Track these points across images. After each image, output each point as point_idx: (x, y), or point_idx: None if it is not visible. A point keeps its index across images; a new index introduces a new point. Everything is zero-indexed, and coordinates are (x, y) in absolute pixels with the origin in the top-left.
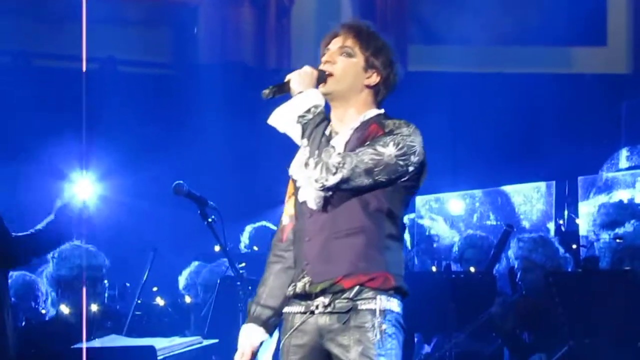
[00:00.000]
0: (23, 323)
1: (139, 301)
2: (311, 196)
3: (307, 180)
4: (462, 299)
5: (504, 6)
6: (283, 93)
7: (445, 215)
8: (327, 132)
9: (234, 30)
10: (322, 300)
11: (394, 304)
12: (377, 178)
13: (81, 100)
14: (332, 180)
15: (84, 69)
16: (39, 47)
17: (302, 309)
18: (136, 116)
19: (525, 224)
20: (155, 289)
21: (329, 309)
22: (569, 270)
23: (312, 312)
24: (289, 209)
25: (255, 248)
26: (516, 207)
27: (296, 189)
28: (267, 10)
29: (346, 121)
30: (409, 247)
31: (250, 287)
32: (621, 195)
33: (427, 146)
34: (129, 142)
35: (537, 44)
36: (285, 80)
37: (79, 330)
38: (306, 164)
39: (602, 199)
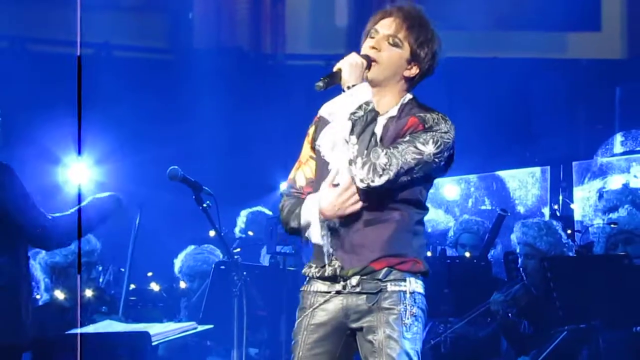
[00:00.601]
0: None
1: (133, 286)
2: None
3: (351, 177)
4: (457, 284)
5: None
6: (335, 84)
7: (441, 200)
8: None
9: (229, 15)
10: (350, 281)
11: (420, 287)
12: (415, 175)
13: (76, 85)
14: (378, 181)
15: (79, 54)
16: (34, 32)
17: (327, 288)
18: (131, 101)
19: (520, 209)
20: (150, 274)
21: (357, 289)
22: (564, 255)
23: (339, 292)
24: (307, 171)
25: (250, 233)
26: (511, 192)
27: (319, 160)
28: None
29: (382, 106)
30: None
31: (244, 273)
32: (616, 180)
33: None
34: (124, 128)
35: (532, 29)
36: (335, 69)
37: (74, 315)
38: (353, 162)
39: (597, 184)
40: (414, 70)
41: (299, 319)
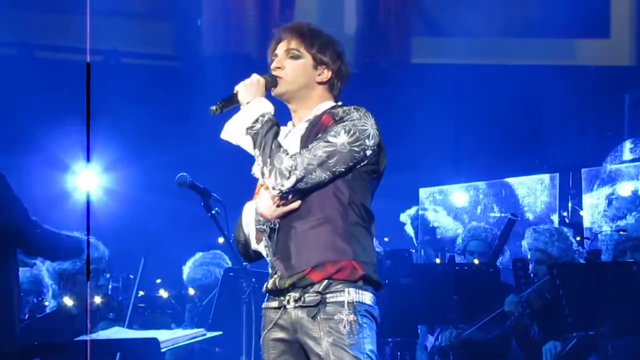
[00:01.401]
0: (27, 316)
1: (142, 293)
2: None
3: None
4: (465, 291)
5: None
6: (232, 106)
7: (449, 207)
8: (287, 131)
9: (237, 22)
10: (292, 295)
11: (365, 297)
12: (334, 169)
13: (85, 92)
14: (288, 184)
15: (88, 60)
16: (43, 39)
17: (276, 304)
18: (140, 108)
19: (529, 215)
20: (158, 281)
21: (299, 303)
22: (573, 262)
23: (285, 307)
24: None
25: None
26: (520, 199)
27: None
28: (270, 2)
29: (303, 117)
30: (414, 240)
31: (253, 279)
32: (625, 187)
33: (430, 138)
34: (132, 135)
35: (541, 36)
36: (234, 92)
37: (82, 322)
38: (262, 174)
39: (606, 190)
40: (326, 74)
41: (262, 335)
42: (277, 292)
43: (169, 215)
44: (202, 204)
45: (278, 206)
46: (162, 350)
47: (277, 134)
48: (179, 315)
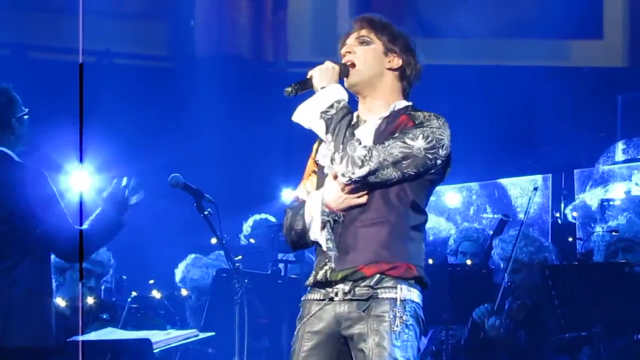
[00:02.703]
0: None
1: (135, 294)
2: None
3: (335, 174)
4: (458, 292)
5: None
6: (306, 90)
7: (442, 208)
8: (354, 122)
9: (231, 23)
10: (342, 288)
11: (414, 295)
12: (405, 171)
13: (78, 92)
14: (359, 172)
15: (81, 61)
16: (36, 39)
17: (321, 296)
18: (133, 109)
19: (522, 216)
20: (151, 281)
21: (348, 296)
22: (565, 263)
23: (332, 299)
24: (309, 185)
25: (252, 241)
26: (513, 200)
27: (320, 173)
28: (263, 3)
29: (375, 110)
30: None
31: (246, 280)
32: (617, 188)
33: None
34: (125, 135)
35: (534, 37)
36: (307, 76)
37: (75, 322)
38: (332, 159)
39: (599, 192)
40: (396, 61)
41: (298, 326)
42: (326, 284)
43: (162, 216)
44: (195, 204)
45: (345, 198)
46: (155, 351)
47: (351, 122)
48: (172, 316)
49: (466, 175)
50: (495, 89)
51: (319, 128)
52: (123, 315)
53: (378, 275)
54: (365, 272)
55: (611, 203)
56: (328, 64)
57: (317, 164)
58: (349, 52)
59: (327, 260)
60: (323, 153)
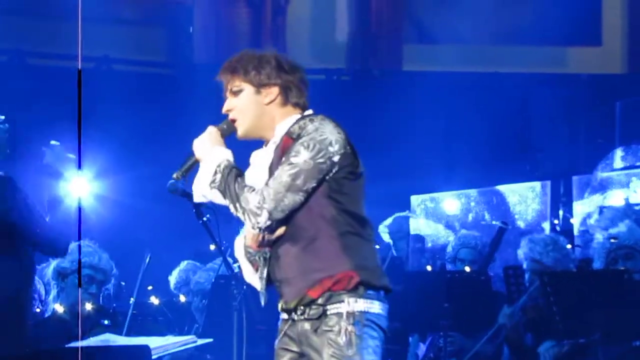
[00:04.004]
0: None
1: (133, 299)
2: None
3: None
4: (457, 299)
5: (499, 6)
6: (193, 167)
7: (441, 214)
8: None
9: (229, 29)
10: (298, 310)
11: (367, 305)
12: (304, 188)
13: (76, 99)
14: (262, 219)
15: (79, 67)
16: (35, 45)
17: (286, 316)
18: (131, 115)
19: (521, 223)
20: (150, 287)
21: (303, 316)
22: (565, 270)
23: (293, 320)
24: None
25: None
26: (511, 207)
27: None
28: (262, 9)
29: (266, 139)
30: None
31: (244, 287)
32: (616, 195)
33: (422, 146)
34: (124, 141)
35: (532, 43)
36: (191, 154)
37: (74, 329)
38: (240, 218)
39: (597, 198)
40: (272, 91)
41: (275, 344)
42: (286, 310)
43: (161, 222)
44: (194, 211)
45: (264, 237)
46: (154, 357)
47: (237, 176)
48: (170, 322)
49: (464, 182)
50: (493, 96)
51: (217, 198)
52: (127, 321)
53: (327, 293)
54: (312, 295)
55: (610, 211)
56: (208, 129)
57: None
58: (229, 110)
59: (280, 293)
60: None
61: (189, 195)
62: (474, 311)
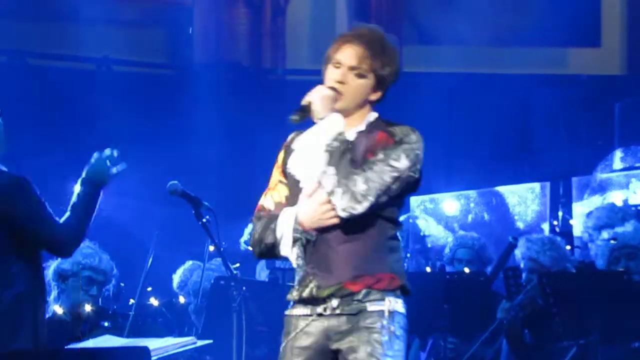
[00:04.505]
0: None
1: (133, 300)
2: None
3: (335, 206)
4: (456, 300)
5: (499, 7)
6: (307, 117)
7: (440, 215)
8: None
9: (229, 30)
10: (330, 304)
11: (400, 305)
12: (392, 194)
13: (76, 99)
14: (360, 208)
15: (79, 68)
16: (35, 46)
17: (308, 311)
18: (131, 116)
19: (520, 224)
20: (149, 289)
21: (337, 311)
22: (564, 271)
23: (320, 315)
24: (276, 195)
25: (250, 248)
26: (511, 208)
27: (294, 185)
28: (261, 10)
29: (347, 124)
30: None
31: (244, 288)
32: (615, 196)
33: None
34: (123, 142)
35: (532, 44)
36: (305, 102)
37: (74, 330)
38: (332, 193)
39: (596, 199)
40: (378, 95)
41: (284, 343)
42: (312, 301)
43: (160, 223)
44: (193, 212)
45: (320, 218)
46: (153, 358)
47: (351, 154)
48: (170, 323)
49: (464, 183)
50: (492, 97)
51: (320, 159)
52: (128, 323)
53: (365, 290)
54: (351, 288)
55: (607, 214)
56: (325, 90)
57: (284, 174)
58: (342, 82)
59: (311, 277)
60: (296, 163)
61: (188, 197)
62: (474, 312)
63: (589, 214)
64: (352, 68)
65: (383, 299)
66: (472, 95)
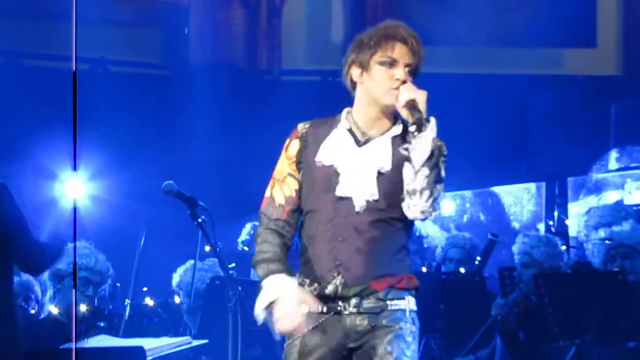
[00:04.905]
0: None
1: (128, 300)
2: (361, 198)
3: (413, 206)
4: (452, 300)
5: (495, 7)
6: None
7: (436, 216)
8: (346, 127)
9: (225, 30)
10: (352, 302)
11: (414, 304)
12: None
13: (72, 100)
14: (432, 216)
15: (75, 69)
16: (30, 47)
17: (325, 309)
18: (127, 116)
19: (516, 224)
20: (145, 289)
21: (357, 309)
22: (559, 271)
23: (339, 313)
24: (286, 189)
25: (246, 248)
26: (506, 208)
27: (314, 182)
28: (257, 10)
29: (378, 126)
30: None
31: (239, 288)
32: (610, 196)
33: None
34: (119, 142)
35: (528, 45)
36: (410, 98)
37: (70, 330)
38: (419, 192)
39: (592, 200)
40: None
41: (292, 339)
42: (333, 298)
43: (156, 223)
44: (189, 212)
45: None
46: (148, 358)
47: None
48: (165, 323)
49: (460, 183)
50: (488, 97)
51: (425, 151)
52: (123, 323)
53: (387, 289)
54: (375, 287)
55: (609, 212)
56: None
57: (298, 165)
58: (404, 82)
59: (335, 273)
60: (329, 154)
61: (184, 197)
62: (469, 312)
63: (588, 212)
64: (406, 66)
65: (403, 298)
66: (468, 95)
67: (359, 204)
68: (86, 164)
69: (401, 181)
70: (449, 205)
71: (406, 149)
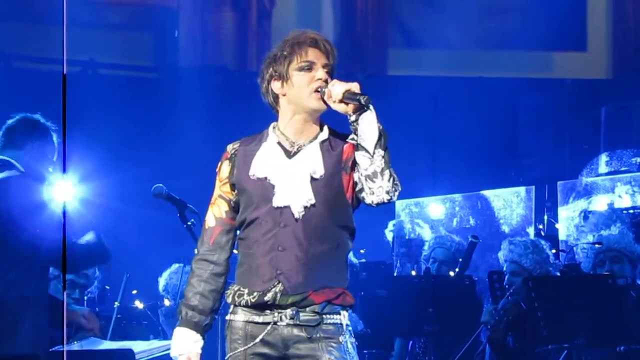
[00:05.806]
0: None
1: (117, 303)
2: (299, 205)
3: (377, 189)
4: (441, 303)
5: (485, 11)
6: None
7: (425, 219)
8: (275, 141)
9: (215, 33)
10: (287, 312)
11: (348, 318)
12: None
13: (61, 102)
14: (395, 197)
15: (65, 71)
16: (20, 49)
17: (260, 319)
18: (117, 119)
19: (505, 228)
20: (134, 292)
21: (294, 321)
22: (549, 274)
23: (275, 323)
24: (216, 210)
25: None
26: (496, 212)
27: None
28: (247, 13)
29: (306, 133)
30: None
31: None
32: (600, 200)
33: (406, 150)
34: (109, 145)
35: (518, 48)
36: (347, 89)
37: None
38: (380, 174)
39: (582, 203)
40: None
41: (234, 350)
42: (268, 307)
43: (145, 226)
44: (178, 215)
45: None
46: None
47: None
48: (155, 326)
49: (449, 187)
50: (478, 101)
51: (374, 137)
52: (111, 326)
53: (324, 303)
54: (314, 299)
55: (595, 217)
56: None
57: (232, 185)
58: (326, 82)
59: (276, 282)
60: (262, 168)
61: (173, 199)
62: (459, 315)
63: (586, 218)
64: (324, 68)
65: (339, 313)
66: (458, 99)
67: (297, 211)
68: (75, 166)
69: (338, 186)
70: (438, 208)
71: (353, 139)
